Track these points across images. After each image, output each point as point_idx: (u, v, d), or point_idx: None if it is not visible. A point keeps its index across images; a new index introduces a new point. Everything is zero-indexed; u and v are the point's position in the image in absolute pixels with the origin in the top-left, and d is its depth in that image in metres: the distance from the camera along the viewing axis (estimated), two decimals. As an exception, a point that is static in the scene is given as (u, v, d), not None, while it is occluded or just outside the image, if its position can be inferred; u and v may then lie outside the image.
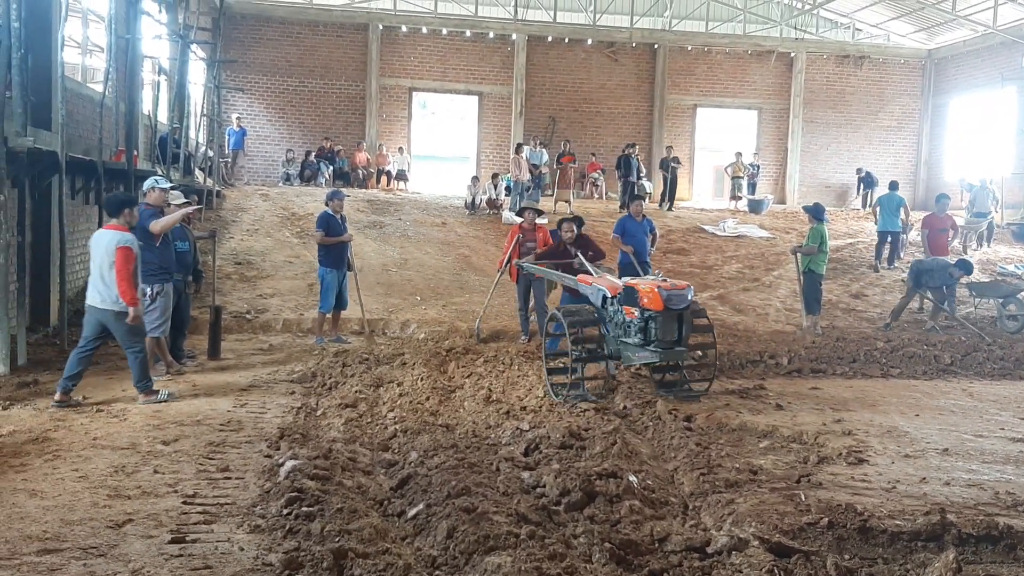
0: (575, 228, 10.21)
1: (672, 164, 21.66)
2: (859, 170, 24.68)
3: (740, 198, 22.89)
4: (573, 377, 7.86)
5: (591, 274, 9.19)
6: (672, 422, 7.01)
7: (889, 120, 26.62)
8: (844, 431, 7.01)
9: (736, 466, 5.83)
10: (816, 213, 11.97)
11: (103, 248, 7.24)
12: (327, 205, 10.99)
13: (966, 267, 12.66)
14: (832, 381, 9.33)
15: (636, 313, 7.75)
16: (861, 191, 24.59)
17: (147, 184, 8.66)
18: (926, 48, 26.39)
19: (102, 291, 7.24)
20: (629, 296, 7.90)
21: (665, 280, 7.92)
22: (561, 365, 8.31)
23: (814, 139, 26.32)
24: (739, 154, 23.50)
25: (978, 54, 24.36)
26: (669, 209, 21.14)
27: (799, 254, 12.01)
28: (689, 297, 7.74)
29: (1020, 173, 21.83)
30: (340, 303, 10.90)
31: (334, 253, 10.74)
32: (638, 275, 9.37)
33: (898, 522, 4.68)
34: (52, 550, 4.17)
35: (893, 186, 17.17)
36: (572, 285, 9.15)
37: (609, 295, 8.21)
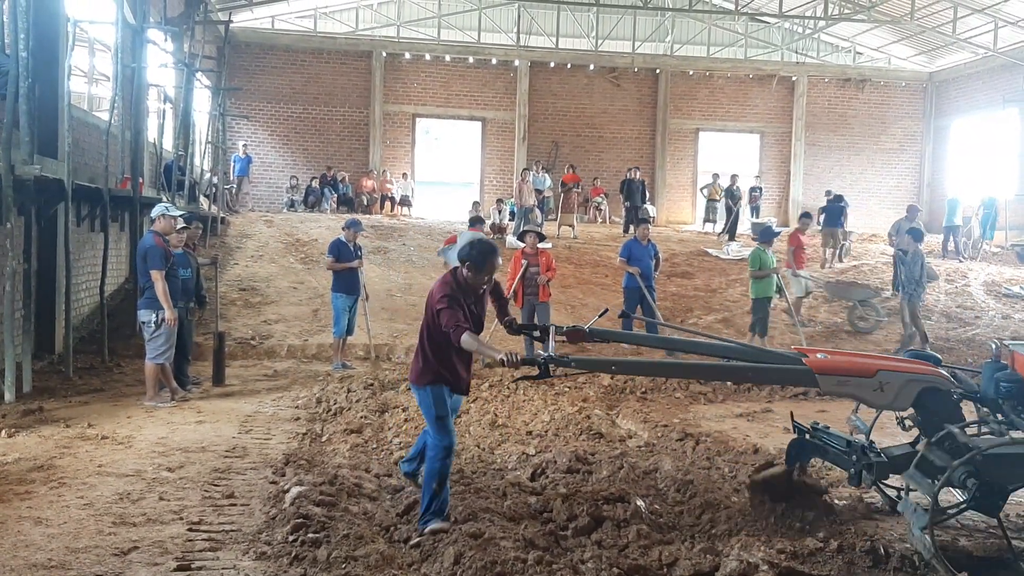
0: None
1: (737, 194, 21.33)
2: (828, 192, 23.99)
3: (715, 222, 22.15)
4: None
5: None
6: (679, 444, 6.98)
7: (891, 143, 26.69)
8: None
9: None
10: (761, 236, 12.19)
11: None
12: (343, 232, 11.17)
13: (917, 234, 12.33)
14: (839, 404, 9.27)
15: None
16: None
17: (156, 211, 8.83)
18: (927, 71, 26.52)
19: None
20: None
21: None
22: None
23: (816, 162, 26.38)
24: (716, 175, 22.74)
25: (979, 76, 24.47)
26: (731, 240, 20.01)
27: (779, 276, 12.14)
28: None
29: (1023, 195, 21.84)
30: (348, 329, 10.97)
31: (344, 279, 10.89)
32: (645, 300, 7.37)
33: (908, 545, 4.65)
34: (57, 578, 4.15)
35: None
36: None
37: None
